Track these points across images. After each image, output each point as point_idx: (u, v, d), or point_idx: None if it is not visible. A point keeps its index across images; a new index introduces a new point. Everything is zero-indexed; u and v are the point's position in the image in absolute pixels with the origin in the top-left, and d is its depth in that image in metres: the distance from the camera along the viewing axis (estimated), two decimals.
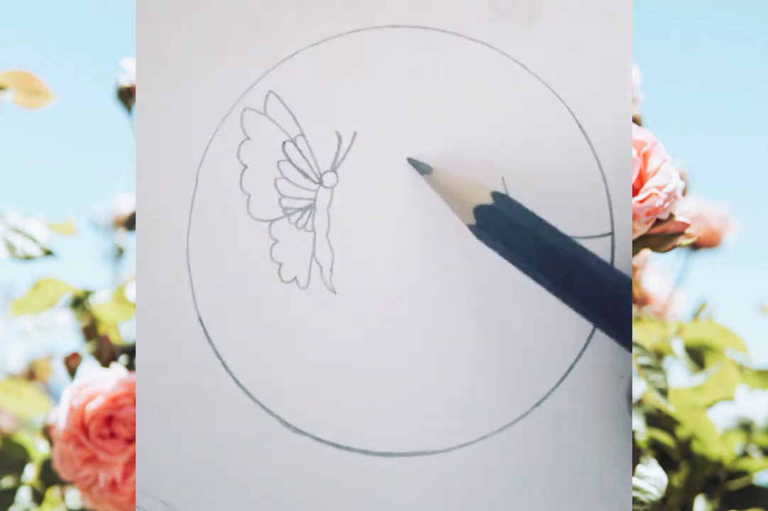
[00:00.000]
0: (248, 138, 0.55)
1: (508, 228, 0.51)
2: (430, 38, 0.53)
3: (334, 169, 0.54)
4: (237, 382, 0.54)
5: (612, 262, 0.51)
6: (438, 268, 0.52)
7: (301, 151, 0.54)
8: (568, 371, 0.51)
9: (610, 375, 0.51)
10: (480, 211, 0.52)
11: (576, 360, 0.51)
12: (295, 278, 0.54)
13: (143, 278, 0.55)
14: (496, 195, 0.51)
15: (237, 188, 0.54)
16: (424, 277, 0.52)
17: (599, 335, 0.51)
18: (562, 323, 0.51)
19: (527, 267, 0.51)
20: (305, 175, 0.54)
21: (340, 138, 0.54)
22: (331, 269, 0.53)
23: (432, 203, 0.53)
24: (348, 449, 0.52)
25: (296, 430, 0.53)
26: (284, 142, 0.54)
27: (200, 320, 0.54)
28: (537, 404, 0.51)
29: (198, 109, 0.55)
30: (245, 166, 0.54)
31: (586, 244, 0.51)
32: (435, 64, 0.53)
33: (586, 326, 0.51)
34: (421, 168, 0.52)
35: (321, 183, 0.54)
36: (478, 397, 0.51)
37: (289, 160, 0.54)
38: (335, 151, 0.54)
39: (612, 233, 0.51)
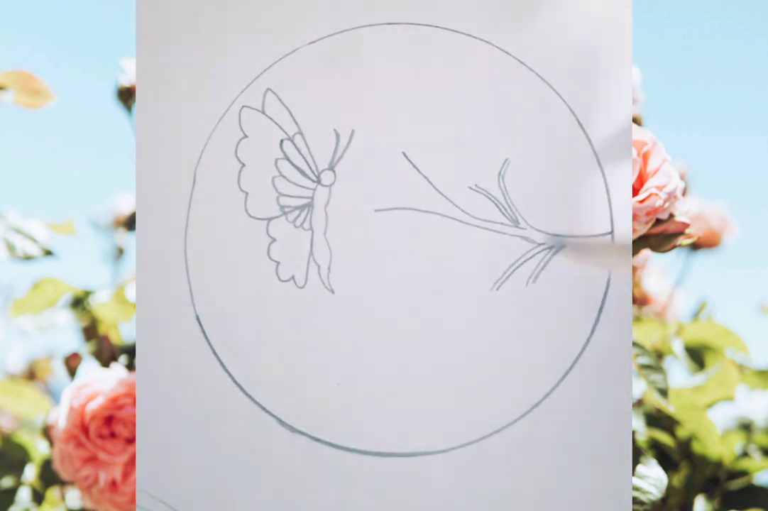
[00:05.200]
0: (246, 136, 0.55)
1: None
2: (429, 35, 0.53)
3: (332, 168, 0.54)
4: (235, 381, 0.53)
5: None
6: (436, 267, 0.52)
7: (298, 150, 0.54)
8: (568, 372, 0.51)
9: (609, 375, 0.51)
10: None
11: (575, 360, 0.51)
12: (293, 277, 0.53)
13: (143, 278, 0.55)
14: None
15: (235, 187, 0.54)
16: (422, 276, 0.52)
17: (598, 335, 0.51)
18: (561, 324, 0.51)
19: None
20: (303, 174, 0.54)
21: (338, 136, 0.54)
22: (328, 268, 0.53)
23: (430, 201, 0.52)
24: (345, 449, 0.52)
25: (294, 429, 0.53)
26: (282, 140, 0.54)
27: (198, 318, 0.54)
28: (536, 405, 0.51)
29: (196, 107, 0.55)
30: (243, 165, 0.54)
31: (586, 242, 0.51)
32: (434, 62, 0.53)
33: (585, 326, 0.51)
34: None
35: (319, 181, 0.54)
36: (477, 397, 0.51)
37: (287, 159, 0.54)
38: (333, 149, 0.54)
39: (612, 233, 0.51)
